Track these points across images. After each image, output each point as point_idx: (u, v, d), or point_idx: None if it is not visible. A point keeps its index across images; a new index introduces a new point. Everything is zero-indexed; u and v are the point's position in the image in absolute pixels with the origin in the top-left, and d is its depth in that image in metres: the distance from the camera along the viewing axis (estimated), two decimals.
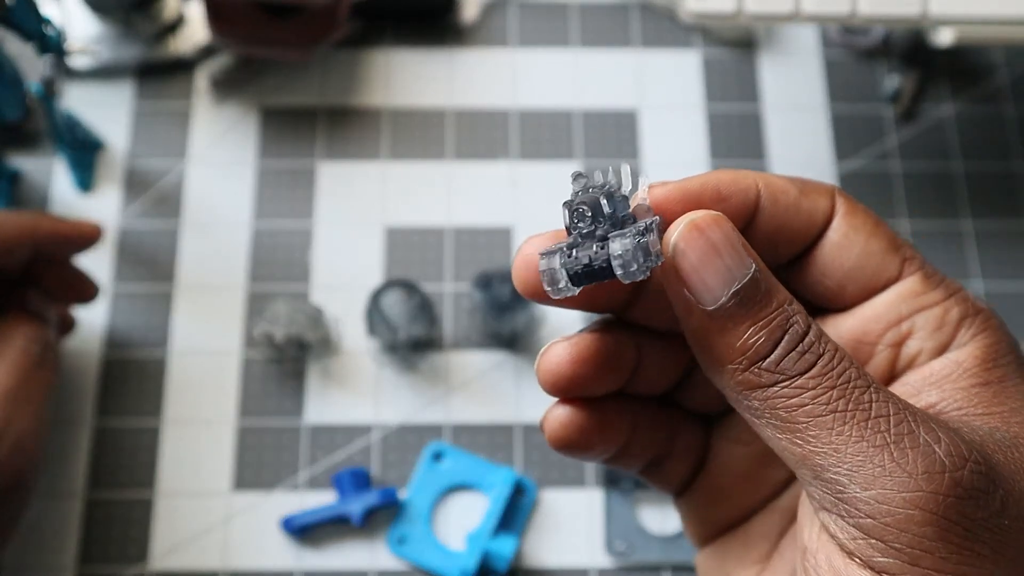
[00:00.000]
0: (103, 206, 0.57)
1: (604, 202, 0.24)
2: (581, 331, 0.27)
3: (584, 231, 0.23)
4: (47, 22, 0.49)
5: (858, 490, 0.22)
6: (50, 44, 0.50)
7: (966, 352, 0.26)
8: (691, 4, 0.48)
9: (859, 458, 0.22)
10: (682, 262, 0.23)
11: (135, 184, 0.57)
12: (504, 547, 0.48)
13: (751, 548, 0.30)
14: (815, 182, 0.28)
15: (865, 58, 0.62)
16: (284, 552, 0.50)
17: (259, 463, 0.52)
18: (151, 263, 0.55)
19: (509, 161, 0.58)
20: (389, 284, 0.51)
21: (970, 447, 0.22)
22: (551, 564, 0.50)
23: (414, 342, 0.52)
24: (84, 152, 0.57)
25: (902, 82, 0.60)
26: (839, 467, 0.22)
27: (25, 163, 0.57)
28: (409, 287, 0.51)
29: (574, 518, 0.51)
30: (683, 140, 0.59)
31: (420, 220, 0.57)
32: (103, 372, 0.53)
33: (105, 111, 0.59)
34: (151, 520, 0.50)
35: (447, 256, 0.56)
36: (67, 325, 0.51)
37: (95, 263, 0.54)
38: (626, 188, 0.24)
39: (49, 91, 0.51)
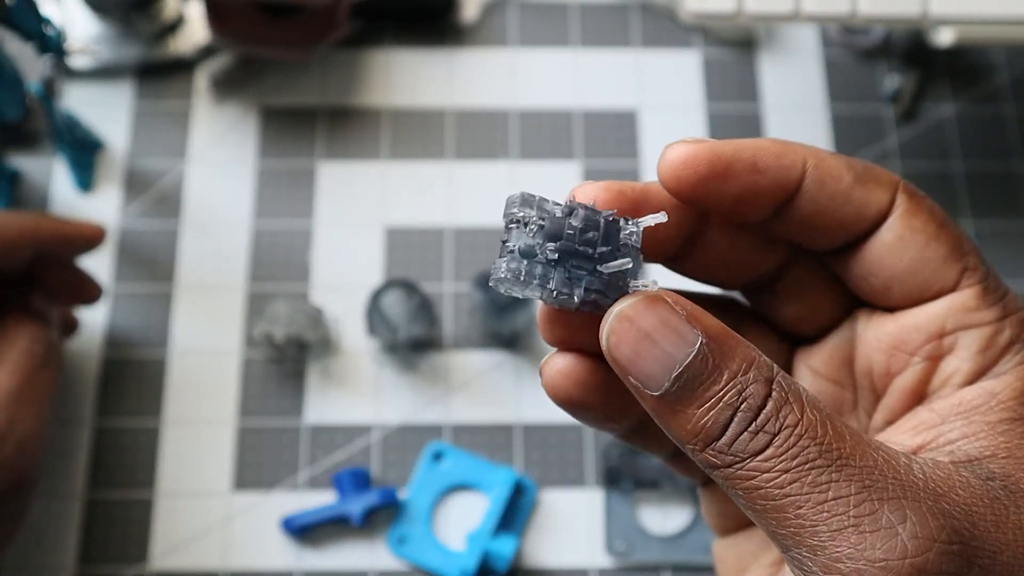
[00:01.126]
0: (103, 206, 0.57)
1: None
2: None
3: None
4: (47, 22, 0.49)
5: (820, 573, 0.21)
6: (50, 44, 0.50)
7: (1004, 381, 0.24)
8: (691, 4, 0.48)
9: (816, 541, 0.21)
10: (617, 356, 0.22)
11: (135, 184, 0.57)
12: (504, 547, 0.48)
13: (770, 547, 0.29)
14: (879, 171, 0.25)
15: (865, 58, 0.62)
16: (284, 552, 0.50)
17: (259, 463, 0.52)
18: (151, 263, 0.55)
19: (509, 161, 0.58)
20: (389, 284, 0.51)
21: (943, 523, 0.20)
22: (551, 564, 0.50)
23: (414, 342, 0.52)
24: (84, 152, 0.57)
25: (902, 82, 0.60)
26: (800, 549, 0.21)
27: (25, 163, 0.57)
28: (409, 287, 0.51)
29: (574, 518, 0.51)
30: None
31: (420, 220, 0.57)
32: (103, 372, 0.53)
33: (105, 111, 0.59)
34: (151, 520, 0.50)
35: (447, 256, 0.56)
36: (70, 326, 0.51)
37: (95, 263, 0.54)
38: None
39: (49, 91, 0.51)
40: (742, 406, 0.21)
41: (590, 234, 0.22)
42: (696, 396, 0.21)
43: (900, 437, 0.24)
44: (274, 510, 0.51)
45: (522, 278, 0.22)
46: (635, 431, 0.27)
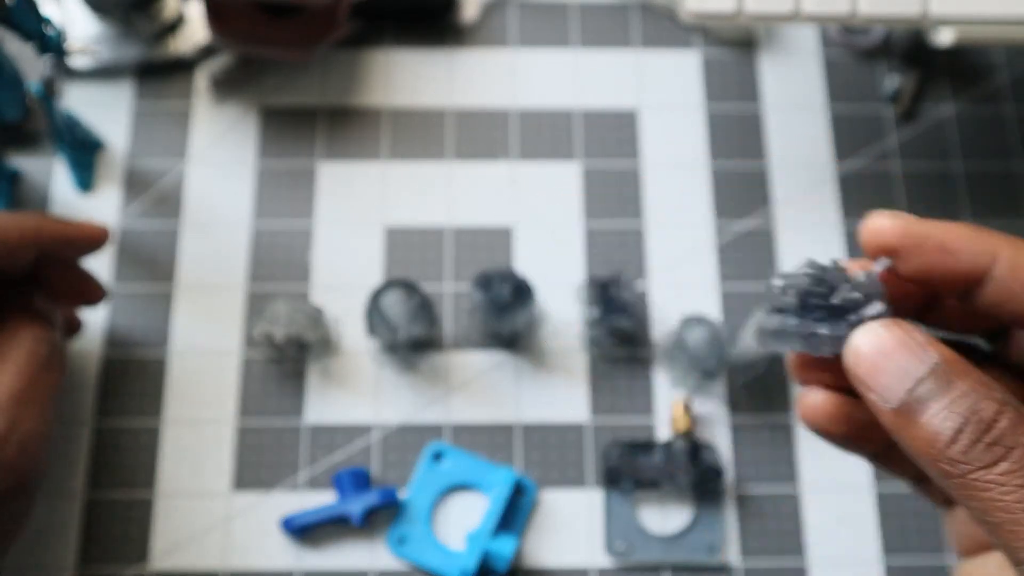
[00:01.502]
0: (103, 206, 0.57)
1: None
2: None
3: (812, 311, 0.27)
4: (47, 22, 0.49)
5: None
6: (50, 44, 0.50)
7: None
8: (691, 4, 0.48)
9: None
10: (859, 372, 0.25)
11: (135, 184, 0.57)
12: (504, 547, 0.48)
13: (1008, 570, 0.29)
14: None
15: (865, 58, 0.62)
16: (284, 552, 0.50)
17: (259, 463, 0.52)
18: (151, 263, 0.56)
19: (509, 161, 0.58)
20: (389, 284, 0.51)
21: None
22: (551, 564, 0.50)
23: (414, 342, 0.52)
24: (84, 152, 0.57)
25: (902, 82, 0.60)
26: None
27: (25, 163, 0.57)
28: (409, 287, 0.51)
29: (574, 518, 0.51)
30: (683, 140, 0.59)
31: (420, 220, 0.57)
32: (103, 372, 0.53)
33: (105, 111, 0.59)
34: (151, 520, 0.50)
35: (447, 256, 0.56)
36: (73, 327, 0.51)
37: (96, 263, 0.54)
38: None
39: (49, 91, 0.51)
40: (974, 418, 0.23)
41: (822, 288, 0.26)
42: (930, 406, 0.23)
43: None
44: (274, 510, 0.51)
45: (783, 337, 0.27)
46: (880, 455, 0.30)
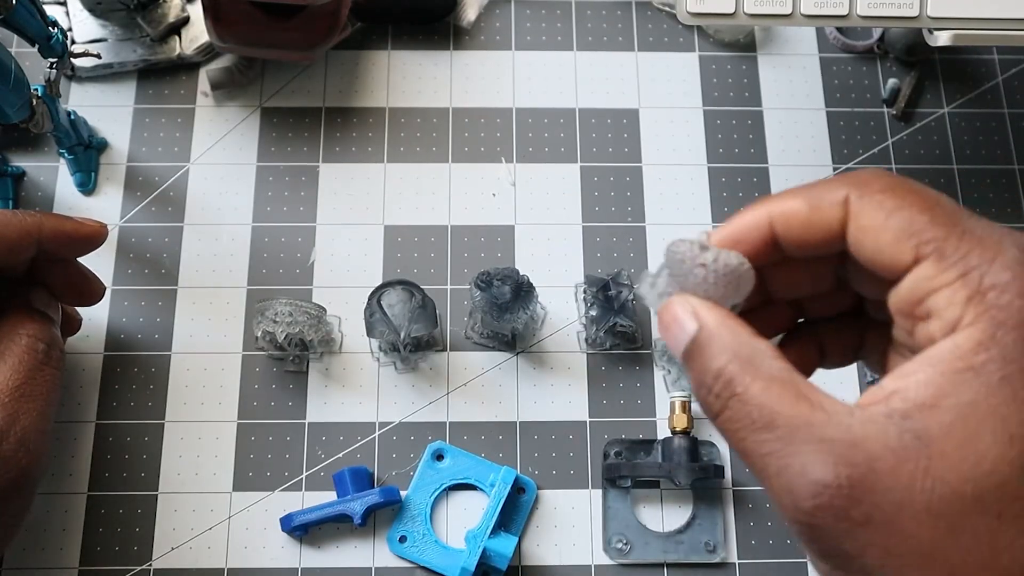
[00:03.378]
0: (105, 206, 0.57)
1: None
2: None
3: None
4: (51, 24, 0.49)
5: (774, 503, 0.29)
6: (54, 46, 0.50)
7: (966, 334, 0.27)
8: (690, 4, 0.49)
9: (766, 480, 0.28)
10: (660, 331, 0.32)
11: (137, 184, 0.58)
12: (504, 546, 0.49)
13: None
14: (828, 192, 0.30)
15: (862, 59, 0.62)
16: (285, 551, 0.50)
17: (260, 462, 0.52)
18: (153, 263, 0.56)
19: (509, 161, 0.59)
20: (389, 284, 0.52)
21: (842, 470, 0.26)
22: (551, 562, 0.51)
23: (414, 342, 0.52)
24: (87, 153, 0.57)
25: (899, 83, 0.60)
26: (760, 482, 0.29)
27: (29, 163, 0.58)
28: (409, 287, 0.52)
29: (573, 516, 0.51)
30: (682, 141, 0.59)
31: (420, 220, 0.57)
32: (105, 372, 0.53)
33: (108, 112, 0.59)
34: (153, 519, 0.51)
35: (447, 256, 0.56)
36: (72, 324, 0.52)
37: (97, 263, 0.54)
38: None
39: (52, 92, 0.51)
40: (711, 378, 0.29)
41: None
42: (692, 365, 0.30)
43: (887, 381, 0.29)
44: (275, 509, 0.51)
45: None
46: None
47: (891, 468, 0.26)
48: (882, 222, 0.29)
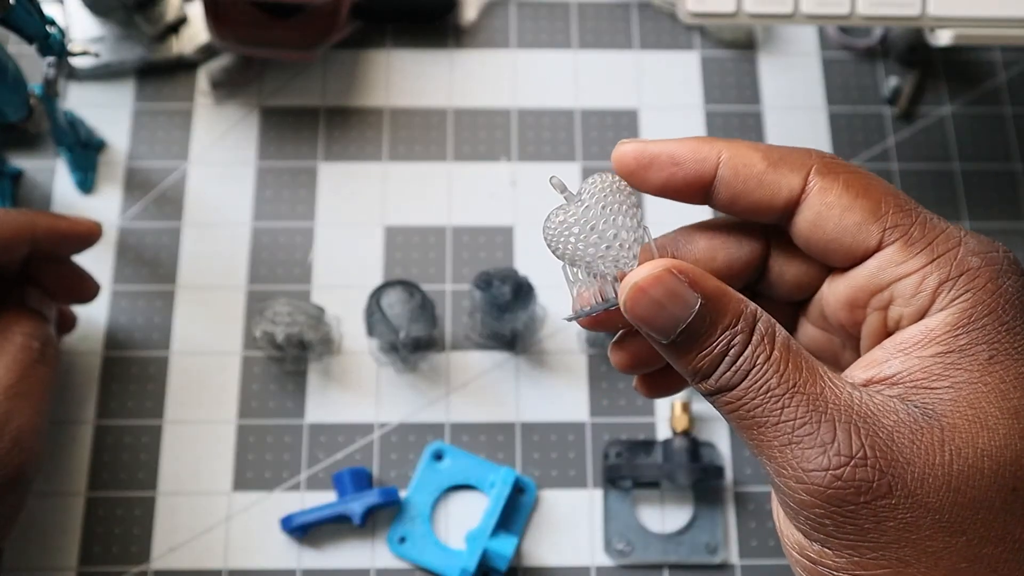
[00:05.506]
0: (104, 206, 0.57)
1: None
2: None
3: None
4: (49, 23, 0.49)
5: (775, 477, 0.27)
6: (52, 45, 0.50)
7: (939, 318, 0.27)
8: (691, 4, 0.48)
9: (772, 453, 0.27)
10: (634, 317, 0.28)
11: (136, 184, 0.57)
12: (504, 546, 0.49)
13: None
14: (794, 156, 0.29)
15: (864, 59, 0.62)
16: (285, 551, 0.50)
17: (260, 463, 0.52)
18: (152, 263, 0.56)
19: (509, 161, 0.58)
20: (389, 284, 0.52)
21: (863, 442, 0.26)
22: (551, 563, 0.50)
23: (414, 342, 0.52)
24: (86, 152, 0.57)
25: (900, 83, 0.60)
26: (762, 458, 0.27)
27: (27, 163, 0.58)
28: (409, 287, 0.51)
29: (574, 517, 0.51)
30: None
31: (420, 220, 0.57)
32: (104, 372, 0.53)
33: (106, 111, 0.59)
34: (152, 519, 0.51)
35: (447, 256, 0.56)
36: (67, 323, 0.52)
37: (96, 263, 0.54)
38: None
39: (51, 92, 0.51)
40: (730, 352, 0.27)
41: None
42: (696, 345, 0.27)
43: (856, 372, 0.29)
44: (275, 509, 0.51)
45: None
46: (657, 373, 0.34)
47: (909, 441, 0.26)
48: (850, 202, 0.28)
